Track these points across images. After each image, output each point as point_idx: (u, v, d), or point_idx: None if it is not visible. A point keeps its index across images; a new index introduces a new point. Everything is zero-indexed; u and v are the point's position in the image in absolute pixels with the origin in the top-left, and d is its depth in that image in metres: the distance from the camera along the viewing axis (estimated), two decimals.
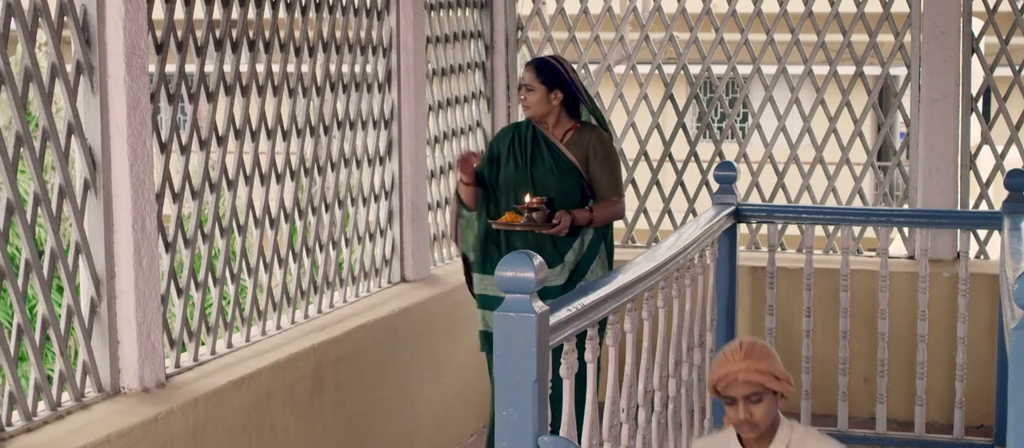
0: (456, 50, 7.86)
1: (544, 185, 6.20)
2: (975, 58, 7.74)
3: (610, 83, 8.43)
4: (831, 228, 8.00)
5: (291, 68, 6.12)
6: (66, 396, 4.73)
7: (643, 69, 8.39)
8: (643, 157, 8.35)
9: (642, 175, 8.37)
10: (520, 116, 6.99)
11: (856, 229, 7.84)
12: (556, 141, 6.27)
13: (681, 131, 8.27)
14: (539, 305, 3.70)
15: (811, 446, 4.33)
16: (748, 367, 4.24)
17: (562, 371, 4.18)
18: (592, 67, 8.39)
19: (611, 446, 4.65)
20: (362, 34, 6.75)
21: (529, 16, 8.35)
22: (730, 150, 8.60)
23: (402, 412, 6.67)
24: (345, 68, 6.58)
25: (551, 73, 6.25)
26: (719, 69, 8.40)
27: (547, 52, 8.55)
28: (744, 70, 8.32)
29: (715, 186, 6.71)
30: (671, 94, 8.26)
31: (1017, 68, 7.71)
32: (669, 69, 8.30)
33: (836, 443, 4.40)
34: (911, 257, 7.89)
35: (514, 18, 8.34)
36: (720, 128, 8.47)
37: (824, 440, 4.39)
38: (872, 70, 8.38)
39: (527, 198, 6.06)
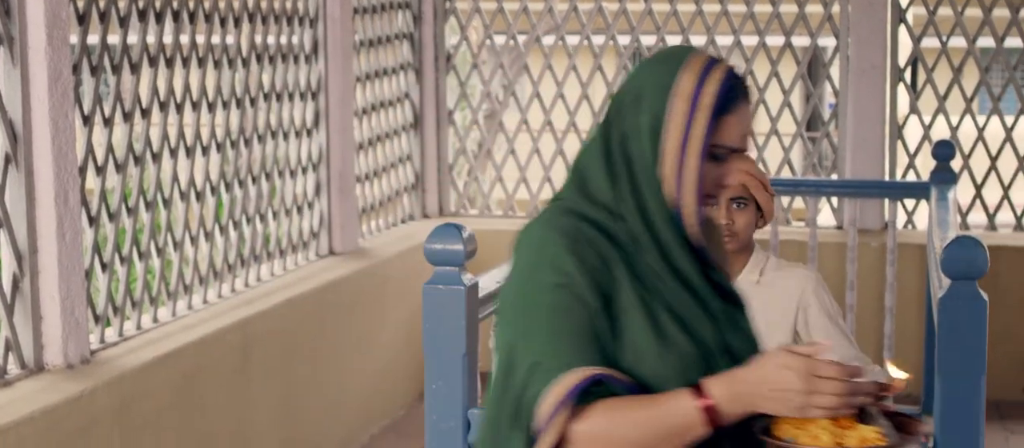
0: (384, 20, 7.80)
1: None
2: (903, 28, 7.78)
3: (539, 55, 8.40)
4: None
5: (216, 39, 6.05)
6: None
7: (572, 40, 8.36)
8: (572, 128, 8.33)
9: (572, 147, 8.35)
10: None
11: (785, 199, 7.85)
12: None
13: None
14: (468, 277, 3.67)
15: (785, 275, 4.03)
16: (741, 168, 3.87)
17: (491, 344, 4.15)
18: (521, 38, 8.34)
19: None
20: (288, 4, 6.67)
21: None
22: None
23: (332, 386, 6.63)
24: (271, 39, 6.51)
25: None
26: (648, 40, 8.38)
27: (475, 24, 8.49)
28: (673, 41, 8.31)
29: None
30: (600, 65, 8.23)
31: (944, 38, 7.75)
32: (598, 40, 8.27)
33: (808, 269, 4.10)
34: (840, 227, 7.92)
35: None
36: None
37: (796, 267, 4.10)
38: (801, 41, 8.41)
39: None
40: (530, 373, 2.38)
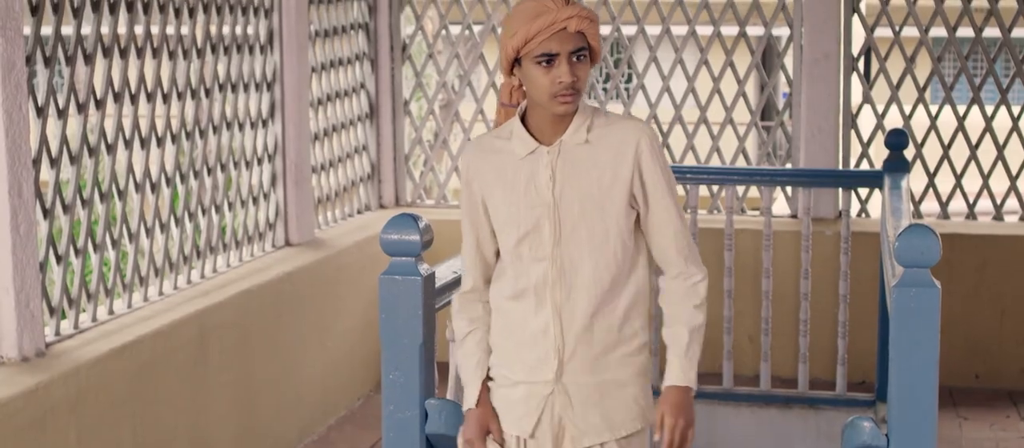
0: (339, 10, 7.78)
1: None
2: (856, 18, 7.81)
3: (494, 44, 8.40)
4: (715, 188, 8.05)
5: (171, 29, 6.02)
6: None
7: None
8: None
9: None
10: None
11: (740, 189, 7.88)
12: None
13: None
14: (424, 267, 3.68)
15: (616, 129, 3.55)
16: (579, 14, 3.40)
17: (447, 334, 4.16)
18: (477, 28, 8.35)
19: None
20: None
21: None
22: (615, 110, 8.60)
23: (288, 377, 6.62)
24: (226, 29, 6.49)
25: None
26: (604, 30, 8.40)
27: (431, 14, 8.47)
28: (628, 30, 8.33)
29: None
30: None
31: (897, 28, 7.79)
32: None
33: (640, 121, 3.62)
34: (794, 216, 7.96)
35: None
36: (605, 89, 8.48)
37: (627, 120, 3.60)
38: (755, 30, 8.43)
39: None
40: None
